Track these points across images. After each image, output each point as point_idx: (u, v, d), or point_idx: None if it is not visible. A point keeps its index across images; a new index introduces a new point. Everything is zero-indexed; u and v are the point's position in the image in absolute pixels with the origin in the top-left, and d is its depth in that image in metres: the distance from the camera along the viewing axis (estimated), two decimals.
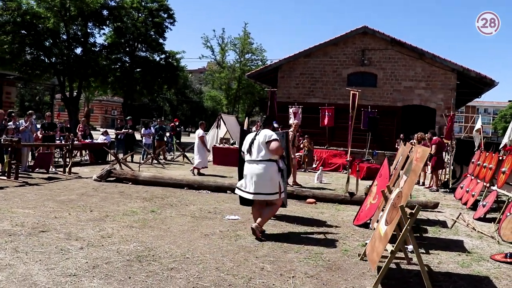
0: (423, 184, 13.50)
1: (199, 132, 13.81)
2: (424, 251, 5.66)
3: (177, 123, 22.49)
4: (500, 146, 10.05)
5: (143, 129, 18.04)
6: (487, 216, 8.31)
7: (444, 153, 13.56)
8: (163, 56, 31.02)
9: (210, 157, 17.71)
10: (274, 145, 5.79)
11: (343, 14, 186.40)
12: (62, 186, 9.64)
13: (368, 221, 6.77)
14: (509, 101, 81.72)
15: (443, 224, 7.60)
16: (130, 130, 16.56)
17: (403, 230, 4.03)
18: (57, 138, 14.80)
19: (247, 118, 25.11)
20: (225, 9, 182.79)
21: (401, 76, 21.62)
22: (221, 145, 17.62)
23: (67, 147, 12.20)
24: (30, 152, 12.91)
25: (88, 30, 26.59)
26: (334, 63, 22.59)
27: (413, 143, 12.56)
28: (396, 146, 18.07)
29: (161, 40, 30.97)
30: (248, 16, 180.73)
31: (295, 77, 23.08)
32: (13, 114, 12.40)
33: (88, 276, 4.12)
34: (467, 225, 7.53)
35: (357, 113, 12.34)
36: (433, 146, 12.35)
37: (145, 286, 3.95)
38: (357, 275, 4.58)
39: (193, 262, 4.70)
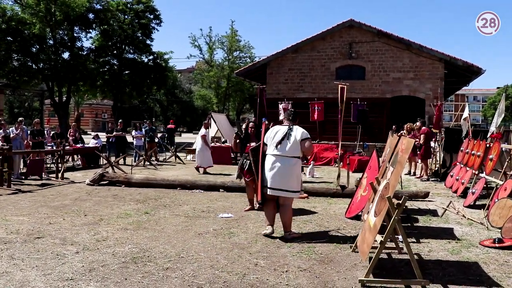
0: (414, 174, 13.64)
1: (202, 131, 14.07)
2: (415, 240, 5.78)
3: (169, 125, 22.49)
4: (488, 134, 10.20)
5: (134, 131, 18.05)
6: (477, 203, 8.46)
7: (432, 142, 13.70)
8: (151, 57, 30.95)
9: None
10: (308, 144, 5.71)
11: (330, 8, 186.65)
12: (55, 192, 9.66)
13: (360, 213, 6.87)
14: (498, 87, 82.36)
15: (433, 213, 7.73)
16: (122, 132, 16.57)
17: (391, 220, 4.12)
18: (49, 144, 14.79)
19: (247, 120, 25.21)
20: (212, 7, 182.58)
21: (389, 68, 21.77)
22: (212, 144, 17.65)
23: (59, 153, 12.20)
24: (22, 159, 12.89)
25: (75, 34, 26.48)
26: (322, 57, 22.68)
27: (403, 133, 12.71)
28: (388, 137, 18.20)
29: (148, 42, 30.92)
30: (234, 14, 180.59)
31: (284, 73, 23.15)
32: (2, 122, 12.39)
33: (85, 279, 4.18)
34: (457, 212, 7.66)
35: (347, 106, 12.47)
36: (422, 136, 12.50)
37: (141, 286, 4.02)
38: (349, 267, 4.67)
39: (188, 261, 4.77)
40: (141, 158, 16.31)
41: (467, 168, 9.85)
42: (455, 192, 9.87)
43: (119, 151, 16.14)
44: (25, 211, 7.40)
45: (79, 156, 15.84)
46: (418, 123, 13.24)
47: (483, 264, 4.82)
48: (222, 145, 17.78)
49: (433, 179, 12.71)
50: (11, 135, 11.85)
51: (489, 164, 8.68)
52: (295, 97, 21.74)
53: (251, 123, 8.17)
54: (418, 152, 12.68)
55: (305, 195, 9.16)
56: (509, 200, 6.53)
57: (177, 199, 8.81)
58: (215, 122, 18.71)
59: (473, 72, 21.19)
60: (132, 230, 6.12)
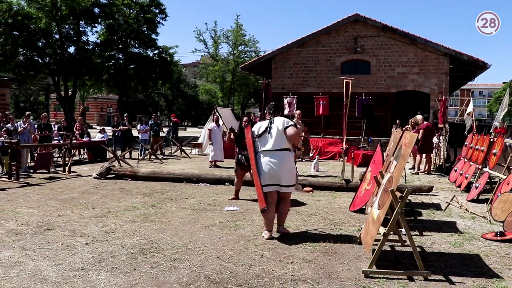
0: (419, 168, 13.69)
1: (209, 125, 14.27)
2: (418, 233, 5.86)
3: (173, 119, 22.50)
4: (491, 129, 10.24)
5: (139, 125, 18.17)
6: (480, 197, 8.52)
7: (435, 138, 13.73)
8: (156, 51, 31.01)
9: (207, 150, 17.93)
10: (292, 130, 5.41)
11: (335, 3, 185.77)
12: (63, 185, 9.79)
13: (364, 207, 6.96)
14: (504, 82, 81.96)
15: (437, 206, 7.81)
16: (127, 125, 16.69)
17: (394, 213, 4.21)
18: (56, 138, 14.94)
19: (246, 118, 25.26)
20: (217, 2, 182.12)
21: (394, 62, 21.79)
22: None
23: (66, 147, 12.33)
24: (30, 153, 13.04)
25: (80, 29, 26.53)
26: (327, 52, 22.72)
27: (408, 128, 12.76)
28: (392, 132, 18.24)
29: (153, 36, 30.95)
30: (239, 8, 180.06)
31: (289, 67, 23.21)
32: (10, 116, 12.54)
33: (95, 269, 4.30)
34: (460, 206, 7.74)
35: (352, 101, 12.49)
36: (421, 131, 12.56)
37: (150, 276, 4.13)
38: (353, 258, 4.77)
39: (195, 252, 4.88)
40: (146, 152, 16.44)
41: (471, 163, 9.90)
42: (459, 186, 9.93)
43: (125, 145, 16.27)
44: (34, 204, 7.53)
45: (86, 150, 15.99)
46: (418, 117, 13.25)
47: (485, 257, 4.90)
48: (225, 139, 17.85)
49: (436, 173, 12.77)
50: (19, 129, 11.99)
51: (493, 158, 8.74)
52: (300, 91, 21.80)
53: (245, 118, 8.29)
54: (416, 146, 12.72)
55: (310, 188, 9.26)
56: None
57: (183, 192, 8.93)
58: (220, 117, 18.77)
59: (478, 67, 21.17)
60: (140, 223, 6.24)
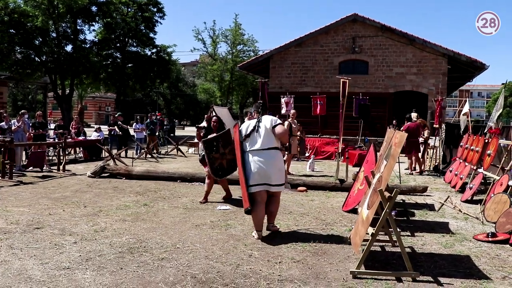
0: (412, 169, 13.64)
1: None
2: (410, 234, 5.83)
3: (158, 117, 22.14)
4: (486, 129, 10.21)
5: (135, 124, 18.13)
6: (474, 198, 8.49)
7: (422, 137, 13.66)
8: (154, 50, 30.97)
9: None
10: (280, 129, 5.43)
11: (334, 3, 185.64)
12: (56, 183, 9.75)
13: (357, 207, 6.92)
14: (502, 84, 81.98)
15: (430, 207, 7.78)
16: (125, 126, 16.67)
17: (383, 213, 4.18)
18: (52, 137, 14.89)
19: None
20: (215, 0, 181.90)
21: (392, 63, 21.78)
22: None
23: (61, 145, 12.29)
24: (24, 152, 12.98)
25: (78, 27, 26.46)
26: (325, 51, 22.70)
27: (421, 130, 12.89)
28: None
29: (151, 35, 30.90)
30: (238, 7, 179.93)
31: (287, 66, 23.19)
32: (4, 114, 12.49)
33: (81, 268, 4.27)
34: (454, 207, 7.71)
35: (349, 101, 12.50)
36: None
37: (136, 276, 4.10)
38: (342, 259, 4.74)
39: (183, 251, 4.85)
40: (142, 151, 16.40)
41: (466, 163, 9.88)
42: (454, 187, 9.90)
43: (121, 144, 16.23)
44: (26, 202, 7.48)
45: (81, 149, 15.94)
46: (413, 114, 13.16)
47: (475, 258, 4.87)
48: None
49: (433, 174, 12.75)
50: (13, 127, 11.94)
51: (487, 159, 8.71)
52: (297, 91, 21.78)
53: (214, 118, 8.12)
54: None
55: (304, 188, 9.23)
56: (504, 195, 6.57)
57: (177, 191, 8.89)
58: (216, 116, 18.75)
59: (476, 67, 21.16)
60: (130, 221, 6.20)
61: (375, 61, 21.96)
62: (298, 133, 12.21)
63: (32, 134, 12.98)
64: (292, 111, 12.72)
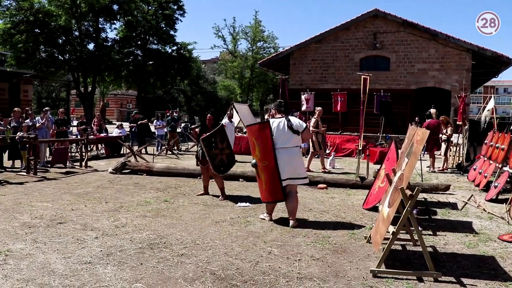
0: (433, 166, 13.44)
1: (223, 120, 14.32)
2: (431, 233, 5.74)
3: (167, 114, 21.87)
4: None
5: (156, 121, 18.28)
6: (499, 197, 8.30)
7: (458, 135, 13.49)
8: (174, 48, 31.09)
9: None
10: (307, 131, 6.10)
11: None
12: (78, 179, 9.90)
13: (377, 205, 6.84)
14: None
15: (453, 206, 7.64)
16: (145, 121, 16.82)
17: (404, 211, 4.12)
18: (75, 133, 15.12)
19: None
20: None
21: (414, 59, 21.48)
22: (234, 134, 17.75)
23: (83, 142, 12.47)
24: (48, 148, 13.22)
25: (100, 26, 26.78)
26: (346, 47, 22.53)
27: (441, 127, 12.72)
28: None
29: (172, 32, 31.03)
30: (258, 4, 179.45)
31: (307, 63, 23.09)
32: (29, 111, 12.74)
33: (102, 263, 4.32)
34: (478, 206, 7.56)
35: (370, 98, 12.37)
36: None
37: (156, 271, 4.13)
38: (362, 257, 4.69)
39: (203, 248, 4.87)
40: (163, 147, 16.54)
41: (491, 162, 9.67)
42: (478, 185, 9.71)
43: (141, 140, 16.39)
44: (49, 198, 7.62)
45: (103, 145, 16.16)
46: (432, 110, 13.03)
47: (500, 259, 4.76)
48: (244, 135, 17.81)
49: (456, 172, 12.54)
50: (37, 125, 12.17)
51: None
52: (318, 87, 21.63)
53: (209, 115, 8.31)
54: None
55: (324, 185, 9.18)
56: None
57: (197, 188, 8.91)
58: (237, 112, 18.76)
59: (502, 62, 20.70)
60: (151, 217, 6.26)
61: (396, 57, 21.70)
62: (323, 129, 12.22)
63: (55, 131, 13.20)
64: (319, 108, 12.65)
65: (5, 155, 11.61)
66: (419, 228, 4.30)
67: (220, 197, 7.81)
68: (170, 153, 16.33)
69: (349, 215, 6.73)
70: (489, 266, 4.53)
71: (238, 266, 4.30)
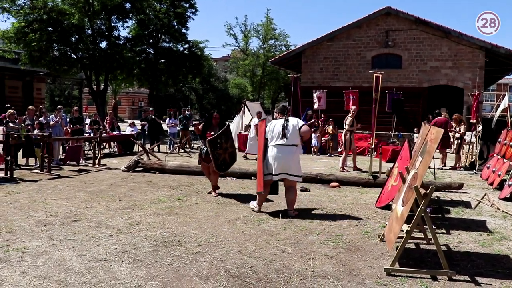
0: (444, 165, 13.35)
1: (254, 121, 14.64)
2: (445, 231, 5.71)
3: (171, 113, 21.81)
4: None
5: (168, 119, 18.38)
6: None
7: (471, 133, 13.38)
8: (186, 46, 31.18)
9: (236, 144, 18.03)
10: (305, 128, 6.49)
11: None
12: (92, 177, 10.00)
13: (390, 203, 6.81)
14: None
15: (466, 204, 7.59)
16: (158, 120, 16.94)
17: (418, 210, 4.11)
18: (88, 131, 15.25)
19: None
20: None
21: (427, 56, 21.31)
22: (246, 132, 17.79)
23: (96, 140, 12.58)
24: (61, 146, 13.36)
25: (112, 24, 26.91)
26: (358, 45, 22.42)
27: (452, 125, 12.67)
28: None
29: (184, 30, 31.10)
30: (270, 2, 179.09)
31: (319, 61, 23.02)
32: (43, 110, 12.88)
33: (117, 261, 4.37)
34: (492, 205, 7.50)
35: (382, 96, 12.27)
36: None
37: (171, 269, 4.17)
38: (376, 256, 4.69)
39: (217, 246, 4.90)
40: (175, 145, 16.62)
41: (505, 160, 9.59)
42: (491, 184, 9.64)
43: (153, 138, 16.48)
44: (64, 195, 7.71)
45: (115, 143, 16.28)
46: (443, 109, 13.05)
47: None
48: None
49: (463, 170, 12.47)
50: (51, 123, 12.30)
51: None
52: (329, 85, 21.60)
53: (215, 114, 8.31)
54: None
55: (337, 184, 9.17)
56: None
57: (210, 186, 8.91)
58: (249, 110, 18.81)
59: None
60: (164, 215, 6.31)
61: (408, 55, 21.54)
62: (358, 125, 12.18)
63: (69, 129, 13.33)
64: (353, 107, 12.64)
65: (19, 153, 11.75)
66: (433, 227, 4.28)
67: (213, 193, 8.02)
68: (182, 151, 16.40)
69: (362, 214, 6.73)
70: (504, 265, 4.50)
71: (252, 264, 4.33)
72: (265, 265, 4.33)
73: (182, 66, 30.30)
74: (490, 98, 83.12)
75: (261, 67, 40.85)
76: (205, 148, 7.82)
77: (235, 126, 19.50)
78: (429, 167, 9.76)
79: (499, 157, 10.13)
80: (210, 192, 8.17)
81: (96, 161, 11.96)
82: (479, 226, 6.13)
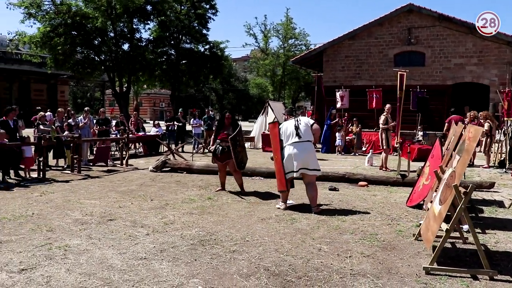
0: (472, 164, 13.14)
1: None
2: (480, 231, 5.65)
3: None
4: None
5: (192, 119, 18.53)
6: None
7: (500, 131, 13.15)
8: (207, 46, 31.33)
9: (260, 144, 18.10)
10: (316, 126, 6.94)
11: None
12: (121, 177, 10.16)
13: (422, 202, 6.78)
14: None
15: (499, 204, 7.49)
16: (182, 121, 17.10)
17: (458, 208, 4.09)
18: (113, 132, 15.48)
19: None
20: None
21: (451, 53, 20.99)
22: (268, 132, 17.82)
23: (123, 141, 12.77)
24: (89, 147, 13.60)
25: (134, 26, 27.27)
26: (380, 43, 22.22)
27: (465, 122, 12.33)
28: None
29: (204, 31, 31.27)
30: (289, 1, 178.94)
31: (340, 60, 22.90)
32: (72, 112, 13.13)
33: (158, 259, 4.45)
34: None
35: (406, 94, 12.17)
36: (446, 124, 12.24)
37: (211, 267, 4.23)
38: (413, 254, 4.67)
39: (253, 244, 4.95)
40: (200, 145, 16.75)
41: None
42: None
43: (178, 139, 16.63)
44: (96, 195, 7.86)
45: (141, 144, 16.49)
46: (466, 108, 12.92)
47: None
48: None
49: (497, 169, 12.26)
50: (80, 124, 12.53)
51: None
52: (352, 84, 21.46)
53: (227, 114, 8.46)
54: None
55: (365, 183, 9.14)
56: None
57: (236, 185, 9.00)
58: (272, 110, 18.83)
59: None
60: (197, 215, 6.38)
61: (432, 52, 21.26)
62: (393, 123, 11.98)
63: (96, 131, 13.56)
64: (388, 105, 12.50)
65: (50, 154, 12.00)
66: (473, 226, 4.25)
67: (222, 191, 8.31)
68: (207, 151, 16.50)
69: (393, 213, 6.70)
70: None
71: (291, 263, 4.36)
72: (303, 263, 4.36)
73: (203, 67, 30.49)
74: None
75: (282, 66, 40.82)
76: (220, 147, 8.04)
77: (258, 126, 19.56)
78: None
79: None
80: (218, 191, 8.40)
81: (124, 162, 12.14)
82: None
